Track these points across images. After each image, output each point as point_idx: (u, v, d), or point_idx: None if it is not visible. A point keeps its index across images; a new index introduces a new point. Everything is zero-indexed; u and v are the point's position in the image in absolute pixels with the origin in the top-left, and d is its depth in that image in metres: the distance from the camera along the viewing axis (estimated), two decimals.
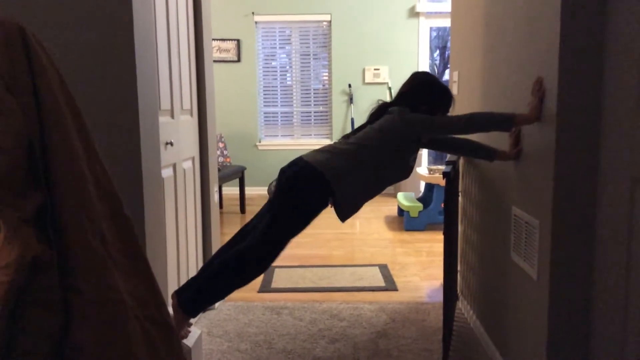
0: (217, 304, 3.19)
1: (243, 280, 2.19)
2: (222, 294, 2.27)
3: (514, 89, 2.23)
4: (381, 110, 2.35)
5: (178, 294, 2.18)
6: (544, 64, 1.87)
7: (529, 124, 1.98)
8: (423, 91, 2.32)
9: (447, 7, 6.21)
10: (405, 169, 2.32)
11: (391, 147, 2.22)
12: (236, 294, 3.41)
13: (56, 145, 1.06)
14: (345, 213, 2.24)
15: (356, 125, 6.79)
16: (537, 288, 1.94)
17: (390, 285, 3.60)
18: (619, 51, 1.63)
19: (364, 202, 2.31)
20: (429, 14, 6.86)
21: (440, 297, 3.34)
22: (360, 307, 3.19)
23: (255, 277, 2.22)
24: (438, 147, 2.51)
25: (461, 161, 3.16)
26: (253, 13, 6.90)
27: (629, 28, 1.58)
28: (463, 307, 3.15)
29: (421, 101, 2.28)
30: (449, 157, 2.86)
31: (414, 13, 6.85)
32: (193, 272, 2.93)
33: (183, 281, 2.72)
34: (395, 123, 2.20)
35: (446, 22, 6.77)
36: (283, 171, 2.21)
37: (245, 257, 2.16)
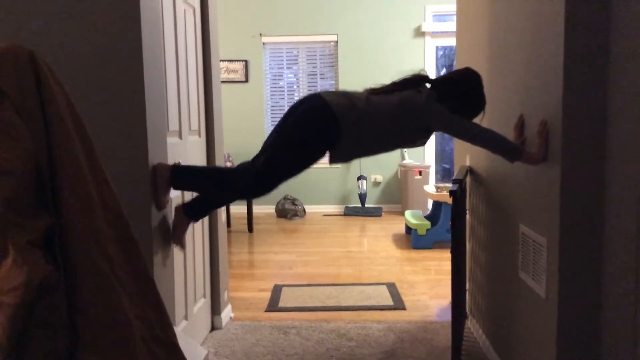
0: (224, 323, 3.18)
1: (221, 189, 2.27)
2: (213, 203, 2.35)
3: (518, 107, 2.23)
4: (419, 80, 2.31)
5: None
6: (548, 78, 1.88)
7: (534, 164, 1.99)
8: (462, 88, 2.27)
9: (452, 26, 6.26)
10: (409, 144, 2.32)
11: (402, 123, 2.20)
12: (243, 314, 3.42)
13: (64, 168, 1.08)
14: (337, 158, 2.25)
15: None
16: (545, 306, 1.93)
17: (398, 304, 3.57)
18: (625, 54, 1.64)
19: (359, 156, 2.34)
20: (435, 34, 6.92)
21: (449, 316, 3.31)
22: (369, 327, 3.17)
23: (241, 197, 2.32)
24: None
25: (468, 179, 3.15)
26: (260, 34, 6.99)
27: (632, 37, 1.59)
28: (472, 325, 3.12)
29: (454, 95, 2.23)
30: (456, 174, 2.85)
31: (419, 32, 6.91)
32: (201, 291, 2.93)
33: (190, 302, 2.72)
34: (418, 104, 2.17)
35: (452, 41, 6.81)
36: (301, 102, 2.23)
37: (241, 176, 2.22)
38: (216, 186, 2.26)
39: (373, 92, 2.29)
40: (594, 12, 1.72)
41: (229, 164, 5.86)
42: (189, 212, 2.28)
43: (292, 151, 2.19)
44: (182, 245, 2.34)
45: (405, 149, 6.93)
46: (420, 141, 2.31)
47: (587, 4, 1.72)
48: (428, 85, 2.34)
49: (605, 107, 1.73)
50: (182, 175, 2.17)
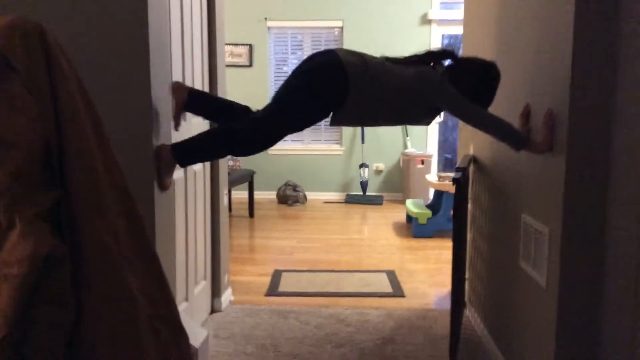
0: (224, 306, 3.20)
1: (228, 149, 2.23)
2: (208, 154, 2.32)
3: (524, 96, 2.23)
4: (440, 55, 2.28)
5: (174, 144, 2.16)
6: (555, 68, 1.87)
7: (539, 153, 1.98)
8: (478, 81, 2.25)
9: (459, 14, 6.21)
10: (414, 120, 2.30)
11: (412, 96, 2.17)
12: (243, 297, 3.43)
13: (72, 142, 1.08)
14: (338, 120, 2.22)
15: (366, 128, 6.84)
16: (545, 296, 1.94)
17: (397, 291, 3.59)
18: (633, 59, 1.63)
19: (361, 123, 2.33)
20: (441, 22, 6.87)
21: (447, 305, 3.33)
22: (367, 313, 3.18)
23: (239, 153, 2.26)
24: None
25: (471, 168, 3.15)
26: (266, 18, 6.94)
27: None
28: (471, 314, 3.14)
29: (467, 83, 2.20)
30: (459, 163, 2.85)
31: (426, 20, 6.86)
32: (202, 274, 2.94)
33: (191, 283, 2.73)
34: (432, 82, 2.15)
35: (458, 30, 6.77)
36: (315, 55, 2.20)
37: (241, 128, 2.16)
38: (223, 150, 2.25)
39: (390, 60, 2.27)
40: (604, 7, 1.71)
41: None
42: (179, 157, 2.13)
43: (298, 101, 2.15)
44: (166, 189, 2.20)
45: (408, 137, 6.93)
46: (426, 120, 2.29)
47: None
48: (449, 61, 2.30)
49: (611, 98, 1.72)
50: (184, 153, 2.14)
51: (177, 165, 2.18)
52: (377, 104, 2.18)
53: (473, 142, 3.14)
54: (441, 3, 6.89)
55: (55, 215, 1.06)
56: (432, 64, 2.26)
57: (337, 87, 2.11)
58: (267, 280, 3.79)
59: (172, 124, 2.22)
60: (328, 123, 2.26)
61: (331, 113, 2.19)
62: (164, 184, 2.13)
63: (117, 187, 1.18)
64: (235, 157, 5.89)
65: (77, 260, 1.07)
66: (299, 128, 2.21)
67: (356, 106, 2.15)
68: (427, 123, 2.32)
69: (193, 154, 2.18)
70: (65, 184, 1.07)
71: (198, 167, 2.84)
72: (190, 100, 2.20)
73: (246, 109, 2.32)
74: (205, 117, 2.36)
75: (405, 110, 2.22)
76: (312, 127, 2.35)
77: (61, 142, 1.07)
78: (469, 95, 2.15)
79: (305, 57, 2.49)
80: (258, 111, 2.27)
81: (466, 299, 3.27)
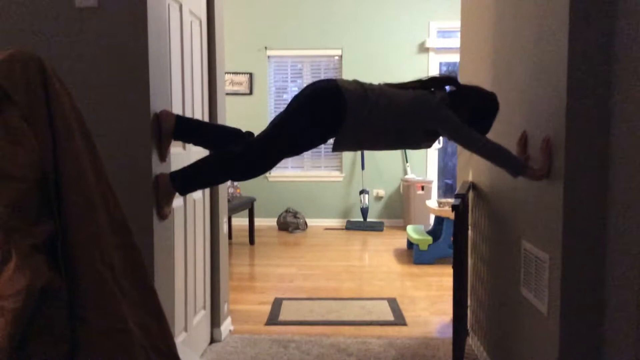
0: (223, 336, 3.17)
1: (227, 175, 2.24)
2: (206, 181, 2.33)
3: (521, 123, 2.24)
4: (442, 81, 2.33)
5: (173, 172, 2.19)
6: (551, 95, 1.89)
7: (536, 180, 1.99)
8: (478, 107, 2.27)
9: (456, 42, 6.30)
10: (414, 144, 2.31)
11: (410, 121, 2.19)
12: (243, 327, 3.40)
13: (69, 174, 1.09)
14: (338, 146, 2.24)
15: (366, 154, 6.86)
16: (547, 324, 1.92)
17: (399, 319, 3.55)
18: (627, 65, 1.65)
19: (362, 148, 2.37)
20: (439, 50, 6.96)
21: (450, 333, 3.29)
22: (369, 342, 3.14)
23: (239, 178, 2.27)
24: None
25: (471, 194, 3.15)
26: (266, 48, 7.04)
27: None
28: (473, 343, 3.10)
29: (466, 110, 2.23)
30: (458, 189, 2.85)
31: (423, 48, 6.95)
32: (201, 303, 2.92)
33: (190, 313, 2.71)
34: (430, 106, 2.18)
35: (456, 57, 6.85)
36: (312, 84, 2.22)
37: (239, 153, 2.16)
38: (222, 175, 2.26)
39: (389, 85, 2.31)
40: (598, 31, 1.73)
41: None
42: (178, 185, 2.14)
43: (295, 124, 2.16)
44: (165, 218, 2.23)
45: (407, 163, 6.94)
46: (425, 143, 2.30)
47: (590, 23, 1.74)
48: (450, 87, 2.33)
49: (608, 124, 1.74)
50: (183, 181, 2.14)
51: (177, 194, 2.19)
52: (376, 129, 2.20)
53: (472, 168, 3.15)
54: (438, 31, 6.99)
55: (52, 245, 1.06)
56: (432, 89, 2.29)
57: (333, 111, 2.13)
58: (267, 308, 3.76)
59: (157, 155, 2.16)
60: (328, 150, 2.29)
61: (329, 138, 2.20)
62: (163, 213, 2.13)
63: (114, 217, 1.18)
64: (235, 184, 5.89)
65: (73, 292, 1.07)
66: (295, 152, 2.23)
67: (354, 131, 2.17)
68: (427, 146, 2.34)
69: (192, 181, 2.19)
70: (62, 215, 1.08)
71: (198, 195, 2.84)
72: (179, 126, 2.18)
73: (237, 132, 2.32)
74: (196, 143, 2.37)
75: (404, 134, 2.24)
76: (312, 154, 2.39)
77: (58, 172, 1.07)
78: (467, 122, 2.17)
79: (305, 85, 2.51)
80: (252, 135, 2.28)
81: (469, 326, 3.23)
